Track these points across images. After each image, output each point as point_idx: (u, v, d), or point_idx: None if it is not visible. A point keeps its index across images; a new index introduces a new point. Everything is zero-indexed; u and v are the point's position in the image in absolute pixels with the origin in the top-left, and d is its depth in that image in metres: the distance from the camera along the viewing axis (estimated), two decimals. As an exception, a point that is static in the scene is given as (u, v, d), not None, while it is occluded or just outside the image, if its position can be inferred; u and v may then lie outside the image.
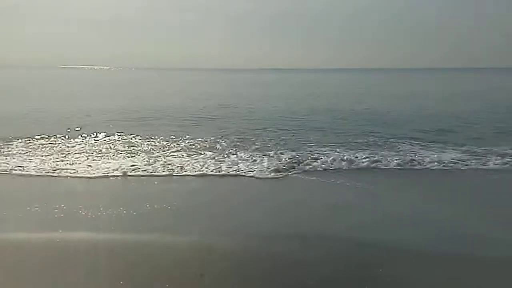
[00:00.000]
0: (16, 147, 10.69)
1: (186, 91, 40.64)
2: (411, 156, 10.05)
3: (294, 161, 9.49)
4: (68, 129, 13.56)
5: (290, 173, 8.73)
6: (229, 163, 9.30)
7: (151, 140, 11.95)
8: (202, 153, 10.30)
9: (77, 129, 13.67)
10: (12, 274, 4.45)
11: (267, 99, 28.80)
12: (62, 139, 12.00)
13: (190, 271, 4.42)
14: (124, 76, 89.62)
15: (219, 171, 8.72)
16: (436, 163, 9.46)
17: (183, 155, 10.03)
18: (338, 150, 10.68)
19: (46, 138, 11.99)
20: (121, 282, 4.16)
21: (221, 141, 11.92)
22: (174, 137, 12.41)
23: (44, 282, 4.28)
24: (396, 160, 9.68)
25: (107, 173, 8.44)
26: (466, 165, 9.42)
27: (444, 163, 9.50)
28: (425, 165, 9.35)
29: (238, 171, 8.74)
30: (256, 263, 4.71)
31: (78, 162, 9.28)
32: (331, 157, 9.76)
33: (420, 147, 11.30)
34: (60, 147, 10.97)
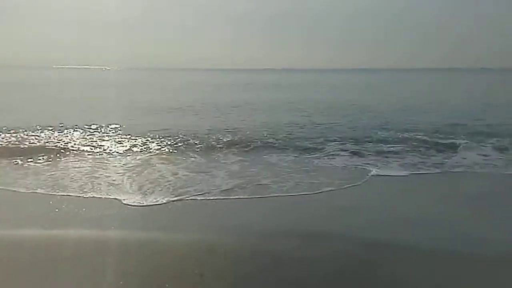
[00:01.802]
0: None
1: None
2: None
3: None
4: None
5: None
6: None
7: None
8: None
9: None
10: (11, 274, 4.45)
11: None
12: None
13: (190, 271, 4.41)
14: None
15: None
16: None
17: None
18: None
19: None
20: (121, 282, 4.16)
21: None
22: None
23: (44, 281, 4.27)
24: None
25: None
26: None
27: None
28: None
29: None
30: (257, 262, 4.70)
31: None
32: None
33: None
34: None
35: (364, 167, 9.28)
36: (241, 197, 7.25)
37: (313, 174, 8.66)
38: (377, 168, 9.07)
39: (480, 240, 5.48)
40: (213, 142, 11.69)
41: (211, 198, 7.13)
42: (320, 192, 7.50)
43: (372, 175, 8.60)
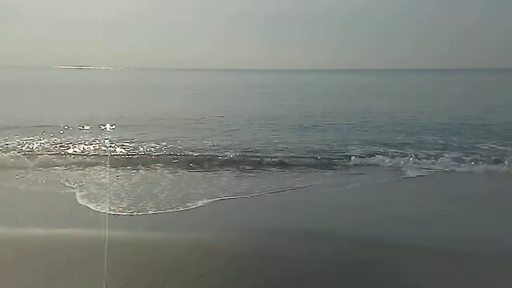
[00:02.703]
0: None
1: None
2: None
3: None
4: None
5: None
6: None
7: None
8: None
9: None
10: (11, 272, 4.44)
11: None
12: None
13: (190, 271, 4.40)
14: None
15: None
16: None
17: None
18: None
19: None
20: (121, 283, 4.15)
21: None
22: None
23: (43, 281, 4.26)
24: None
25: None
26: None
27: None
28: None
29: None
30: (257, 262, 4.69)
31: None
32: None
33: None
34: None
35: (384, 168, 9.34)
36: (241, 196, 7.25)
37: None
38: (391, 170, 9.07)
39: (481, 239, 5.49)
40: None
41: (212, 198, 7.12)
42: (320, 192, 7.53)
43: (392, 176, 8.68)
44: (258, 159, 9.80)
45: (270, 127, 15.36)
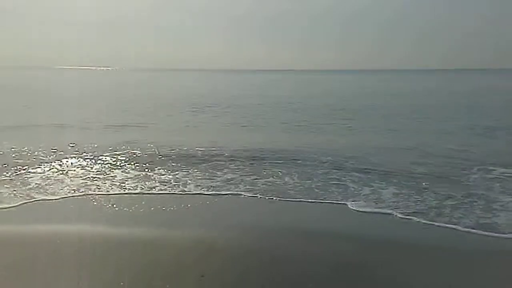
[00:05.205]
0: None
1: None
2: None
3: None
4: None
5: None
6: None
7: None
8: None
9: None
10: (12, 272, 4.45)
11: None
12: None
13: (190, 271, 4.41)
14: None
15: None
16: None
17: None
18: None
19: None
20: (122, 283, 4.15)
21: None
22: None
23: (44, 280, 4.27)
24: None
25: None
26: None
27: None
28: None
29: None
30: (257, 262, 4.70)
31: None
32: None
33: None
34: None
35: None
36: (241, 196, 7.28)
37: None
38: None
39: (479, 238, 5.49)
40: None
41: (211, 197, 7.17)
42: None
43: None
44: None
45: None
